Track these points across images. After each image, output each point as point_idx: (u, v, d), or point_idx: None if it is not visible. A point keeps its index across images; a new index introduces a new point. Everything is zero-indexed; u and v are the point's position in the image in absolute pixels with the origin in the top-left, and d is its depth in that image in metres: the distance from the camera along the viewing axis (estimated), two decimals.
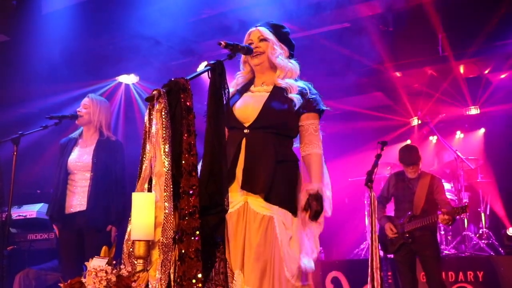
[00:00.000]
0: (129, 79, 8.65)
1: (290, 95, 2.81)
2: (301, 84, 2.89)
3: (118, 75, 8.54)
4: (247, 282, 2.60)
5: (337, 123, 8.49)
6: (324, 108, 2.93)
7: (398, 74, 8.33)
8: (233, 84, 3.06)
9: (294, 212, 2.70)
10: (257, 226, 2.65)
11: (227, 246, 2.68)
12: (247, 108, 2.82)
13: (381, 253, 5.88)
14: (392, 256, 5.82)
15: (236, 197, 2.74)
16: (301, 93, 2.83)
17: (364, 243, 7.87)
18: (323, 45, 7.37)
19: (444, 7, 6.96)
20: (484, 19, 6.85)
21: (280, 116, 2.75)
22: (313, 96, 2.87)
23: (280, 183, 2.66)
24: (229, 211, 2.70)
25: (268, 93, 2.87)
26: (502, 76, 8.57)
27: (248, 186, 2.71)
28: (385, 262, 6.04)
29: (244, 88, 2.99)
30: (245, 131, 2.79)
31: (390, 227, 5.61)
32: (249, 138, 2.77)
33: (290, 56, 3.00)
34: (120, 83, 8.76)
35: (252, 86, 2.98)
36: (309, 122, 2.83)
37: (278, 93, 2.84)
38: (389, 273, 6.11)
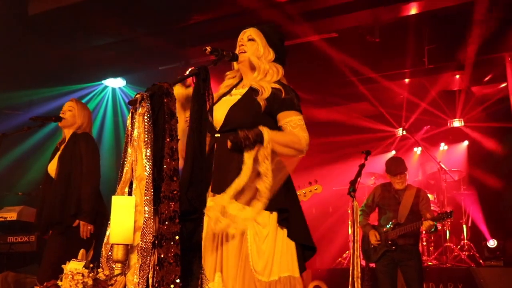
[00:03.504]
0: (115, 83, 8.64)
1: (258, 98, 2.73)
2: (276, 85, 2.78)
3: (105, 79, 8.53)
4: (225, 284, 2.58)
5: (322, 132, 8.52)
6: (300, 109, 2.79)
7: (383, 85, 8.37)
8: (222, 86, 3.03)
9: (270, 209, 2.65)
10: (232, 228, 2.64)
11: (204, 250, 2.66)
12: (218, 112, 2.79)
13: (363, 262, 5.91)
14: (373, 265, 5.82)
15: (212, 201, 2.72)
16: (274, 94, 2.75)
17: (347, 252, 7.89)
18: (310, 54, 7.41)
19: (431, 20, 7.03)
20: (470, 32, 6.92)
21: (247, 118, 2.67)
22: (288, 96, 2.76)
23: (250, 182, 2.60)
24: (207, 215, 2.68)
25: (241, 95, 2.84)
26: (486, 89, 8.66)
27: (217, 189, 2.68)
28: (366, 272, 6.06)
29: (229, 90, 2.96)
30: (216, 135, 2.78)
31: (374, 234, 5.62)
32: (220, 142, 2.75)
33: (278, 61, 2.91)
34: (106, 87, 8.75)
35: (235, 88, 2.95)
36: (286, 120, 2.72)
37: (249, 95, 2.78)
38: (370, 283, 6.12)
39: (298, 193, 4.96)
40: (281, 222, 2.67)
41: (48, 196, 4.47)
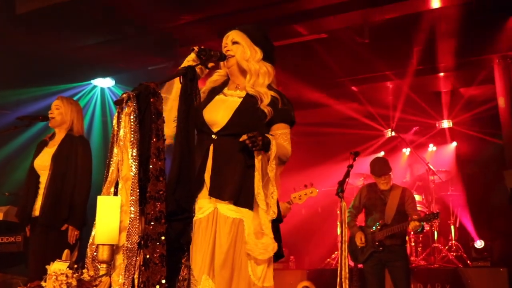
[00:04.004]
0: (104, 82, 8.60)
1: (261, 106, 2.74)
2: (273, 93, 2.79)
3: (94, 78, 8.49)
4: (217, 287, 2.57)
5: (311, 132, 8.54)
6: (294, 120, 2.86)
7: (372, 86, 8.40)
8: (209, 80, 2.99)
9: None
10: (227, 230, 2.62)
11: (194, 252, 2.65)
12: (217, 114, 2.76)
13: (352, 263, 5.92)
14: (361, 266, 5.84)
15: (206, 203, 2.70)
16: (273, 102, 2.75)
17: (336, 252, 7.90)
18: (300, 54, 7.43)
19: (419, 22, 7.05)
20: (458, 34, 6.96)
21: (249, 125, 2.66)
22: (285, 107, 2.79)
23: (249, 187, 2.60)
24: (198, 217, 2.67)
25: (240, 99, 2.81)
26: (476, 91, 8.71)
27: (216, 193, 2.66)
28: (355, 272, 6.07)
29: (219, 88, 2.93)
30: (213, 136, 2.75)
31: (360, 236, 5.64)
32: (216, 145, 2.72)
33: (267, 58, 2.88)
34: (95, 86, 8.71)
35: (226, 88, 2.92)
36: (279, 132, 2.77)
37: (250, 101, 2.77)
38: (359, 283, 6.13)
39: (293, 196, 5.00)
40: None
41: (32, 193, 4.46)
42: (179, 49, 7.53)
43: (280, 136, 2.76)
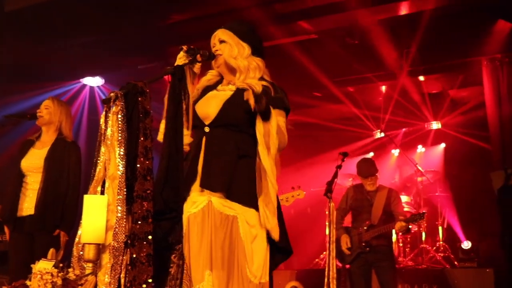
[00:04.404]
0: (94, 81, 8.57)
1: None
2: (265, 82, 2.73)
3: (83, 77, 8.46)
4: (214, 283, 2.56)
5: (301, 133, 8.55)
6: (289, 107, 2.79)
7: (362, 87, 8.44)
8: (203, 79, 2.99)
9: (257, 208, 2.63)
10: (222, 227, 2.61)
11: (192, 248, 2.63)
12: (208, 106, 2.75)
13: (340, 264, 5.94)
14: (348, 266, 5.86)
15: (199, 196, 2.69)
16: (265, 91, 2.65)
17: (324, 253, 7.91)
18: (290, 55, 7.44)
19: (409, 23, 7.09)
20: (448, 36, 7.00)
21: (241, 114, 2.64)
22: (278, 95, 2.73)
23: (241, 179, 2.58)
24: (192, 212, 2.65)
25: (232, 92, 2.80)
26: (464, 93, 8.77)
27: (207, 184, 2.65)
28: (343, 273, 6.09)
29: (213, 86, 2.93)
30: (206, 129, 2.74)
31: (346, 240, 5.67)
32: (209, 137, 2.72)
33: (255, 52, 2.85)
34: (84, 85, 8.68)
35: (220, 85, 2.91)
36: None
37: (241, 93, 2.69)
38: (347, 283, 6.15)
39: (280, 198, 4.99)
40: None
41: (17, 193, 4.45)
42: (169, 48, 7.52)
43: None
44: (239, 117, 2.63)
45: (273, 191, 2.58)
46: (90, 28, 7.07)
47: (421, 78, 8.37)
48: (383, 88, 8.74)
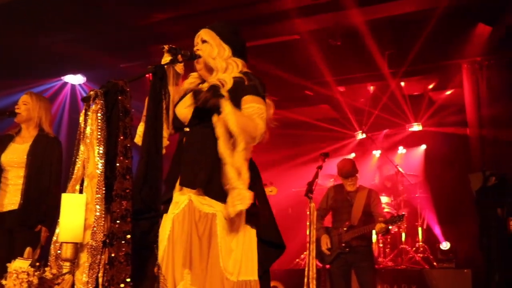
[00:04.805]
0: (75, 79, 8.51)
1: (223, 89, 2.65)
2: (238, 74, 2.72)
3: (65, 75, 8.40)
4: (193, 282, 2.56)
5: (283, 133, 8.56)
6: (263, 94, 2.71)
7: (344, 88, 8.48)
8: (185, 82, 2.97)
9: None
10: (201, 225, 2.61)
11: (173, 248, 2.63)
12: (184, 107, 2.77)
13: (320, 264, 5.97)
14: (328, 267, 5.89)
15: (180, 196, 2.69)
16: (237, 83, 2.68)
17: (305, 253, 7.92)
18: (272, 55, 7.46)
19: (391, 25, 7.14)
20: (429, 38, 7.06)
21: (215, 112, 2.64)
22: (252, 82, 2.69)
23: (220, 176, 2.55)
24: (176, 213, 2.64)
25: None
26: (445, 94, 8.86)
27: (186, 181, 2.65)
28: (323, 273, 6.12)
29: (194, 88, 2.92)
30: (186, 129, 2.75)
31: (326, 240, 5.69)
32: (188, 136, 2.73)
33: (237, 54, 2.84)
34: (66, 83, 8.61)
35: (200, 85, 2.91)
36: (246, 106, 2.64)
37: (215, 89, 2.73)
38: (327, 284, 6.18)
39: None
40: (249, 220, 2.62)
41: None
42: (152, 47, 7.50)
43: (247, 109, 2.63)
44: (213, 114, 2.60)
45: (240, 185, 2.49)
46: (72, 25, 7.02)
47: (403, 80, 8.44)
48: (366, 89, 8.78)
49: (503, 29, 6.88)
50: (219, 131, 2.52)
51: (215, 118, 2.55)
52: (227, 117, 2.50)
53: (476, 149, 7.18)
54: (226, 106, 2.51)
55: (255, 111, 2.63)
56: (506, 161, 6.31)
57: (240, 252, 2.59)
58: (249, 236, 2.63)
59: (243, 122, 2.55)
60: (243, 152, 2.51)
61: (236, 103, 2.62)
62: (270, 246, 2.68)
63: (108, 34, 7.28)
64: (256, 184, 2.69)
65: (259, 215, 2.66)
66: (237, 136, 2.51)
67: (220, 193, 2.57)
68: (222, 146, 2.51)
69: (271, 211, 2.74)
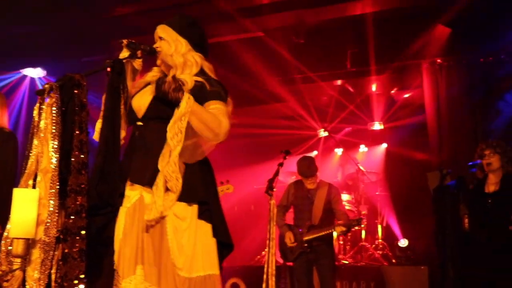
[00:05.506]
0: (35, 72, 8.35)
1: (184, 88, 2.65)
2: (199, 78, 2.71)
3: (23, 68, 8.22)
4: (146, 278, 2.53)
5: (245, 131, 8.57)
6: (226, 100, 2.72)
7: (307, 86, 8.52)
8: (147, 75, 2.93)
9: (190, 201, 2.61)
10: (152, 221, 2.59)
11: (124, 243, 2.60)
12: (140, 99, 2.71)
13: (281, 260, 6.00)
14: (291, 264, 5.93)
15: (131, 191, 2.66)
16: (198, 87, 2.66)
17: (266, 249, 7.95)
18: (236, 52, 7.45)
19: (355, 25, 7.22)
20: (390, 38, 7.16)
21: (170, 108, 2.62)
22: (214, 88, 2.69)
23: None
24: (126, 206, 2.62)
25: None
26: (406, 95, 8.99)
27: (136, 178, 2.63)
28: (283, 270, 6.15)
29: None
30: (138, 123, 2.72)
31: (289, 236, 5.72)
32: (141, 131, 2.70)
33: (196, 47, 2.81)
34: (25, 76, 8.43)
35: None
36: (210, 107, 2.63)
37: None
38: (287, 280, 6.22)
39: None
40: (202, 216, 2.63)
41: None
42: (115, 41, 7.40)
43: (211, 110, 2.62)
44: (169, 110, 2.58)
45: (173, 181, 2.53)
46: (32, 17, 6.88)
47: (365, 79, 8.53)
48: (329, 87, 8.85)
49: (462, 31, 7.02)
50: (172, 125, 2.51)
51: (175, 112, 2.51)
52: (193, 108, 2.50)
53: (435, 148, 7.31)
54: (190, 98, 2.51)
55: (220, 111, 2.63)
56: (463, 160, 6.42)
57: (192, 248, 2.58)
58: (203, 231, 2.63)
59: (207, 117, 2.55)
60: (177, 152, 2.52)
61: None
62: (220, 245, 2.69)
63: (70, 27, 7.15)
64: (208, 183, 2.71)
65: (212, 212, 2.66)
66: (198, 131, 2.52)
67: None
68: (166, 146, 2.53)
69: (222, 211, 2.75)
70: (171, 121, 2.51)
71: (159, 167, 2.52)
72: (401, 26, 6.83)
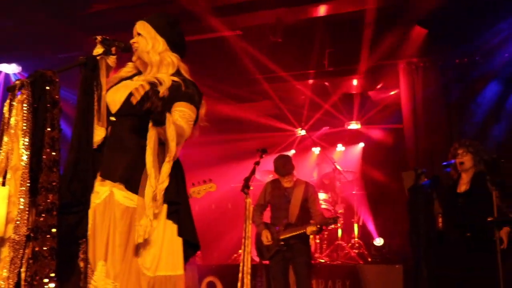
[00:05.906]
0: (9, 68, 8.24)
1: (159, 88, 2.60)
2: (176, 78, 2.71)
3: None
4: (107, 274, 2.52)
5: (223, 128, 8.56)
6: (198, 105, 2.72)
7: (285, 84, 8.54)
8: (122, 70, 2.90)
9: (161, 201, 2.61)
10: (122, 218, 2.57)
11: (92, 239, 2.57)
12: (116, 94, 2.70)
13: (258, 259, 6.01)
14: (267, 262, 5.94)
15: (101, 187, 2.63)
16: (174, 87, 2.66)
17: (242, 248, 7.95)
18: (214, 50, 7.43)
19: (333, 24, 7.25)
20: (368, 38, 7.20)
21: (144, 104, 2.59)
22: (188, 90, 2.69)
23: (142, 170, 2.55)
24: (96, 202, 2.59)
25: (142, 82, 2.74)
26: (383, 94, 9.05)
27: (106, 174, 2.61)
28: (259, 268, 6.16)
29: (129, 77, 2.86)
30: (112, 118, 2.69)
31: (266, 234, 5.73)
32: (114, 126, 2.67)
33: (173, 47, 2.80)
34: None
35: (136, 77, 2.85)
36: (178, 108, 2.63)
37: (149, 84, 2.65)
38: (263, 279, 6.22)
39: (192, 191, 5.00)
40: (171, 216, 2.62)
41: None
42: (90, 38, 7.31)
43: (177, 112, 2.62)
44: (141, 107, 2.56)
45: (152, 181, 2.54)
46: (6, 12, 6.78)
47: (342, 78, 8.57)
48: (305, 87, 8.87)
49: (438, 32, 7.09)
50: (150, 145, 2.53)
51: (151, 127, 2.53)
52: (170, 132, 2.51)
53: (411, 148, 7.38)
54: (168, 120, 2.51)
55: (185, 116, 2.63)
56: (438, 160, 6.50)
57: (159, 247, 2.58)
58: (170, 231, 2.63)
59: (175, 133, 2.55)
60: (170, 163, 2.56)
61: (169, 106, 2.61)
62: (186, 245, 2.69)
63: (45, 23, 7.07)
64: (179, 184, 2.70)
65: (180, 212, 2.66)
66: (171, 150, 2.54)
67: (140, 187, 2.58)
68: (149, 162, 2.53)
69: (190, 212, 2.75)
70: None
71: (150, 183, 2.52)
72: (378, 26, 6.87)
